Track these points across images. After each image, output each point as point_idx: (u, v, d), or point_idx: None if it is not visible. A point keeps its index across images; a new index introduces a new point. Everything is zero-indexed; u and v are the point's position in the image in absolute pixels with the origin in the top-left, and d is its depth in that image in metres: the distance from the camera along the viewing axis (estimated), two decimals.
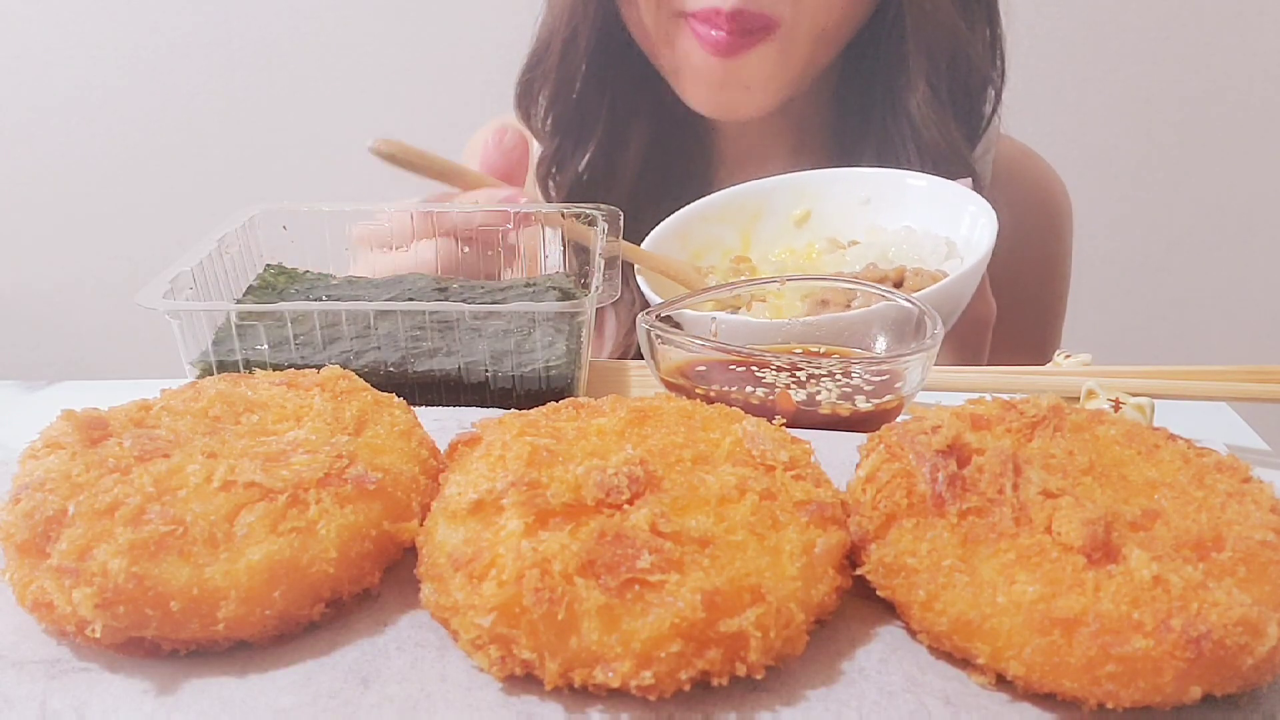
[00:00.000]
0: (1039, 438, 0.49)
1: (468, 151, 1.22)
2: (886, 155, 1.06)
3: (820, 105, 1.14)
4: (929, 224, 0.95)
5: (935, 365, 0.67)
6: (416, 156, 0.85)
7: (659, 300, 0.88)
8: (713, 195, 1.01)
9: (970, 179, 0.98)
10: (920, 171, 1.00)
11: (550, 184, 1.13)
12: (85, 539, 0.42)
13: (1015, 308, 1.08)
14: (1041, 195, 1.23)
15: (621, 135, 1.12)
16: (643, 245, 0.95)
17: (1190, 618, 0.38)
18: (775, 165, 1.10)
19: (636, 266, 0.93)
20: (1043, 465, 0.46)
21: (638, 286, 1.10)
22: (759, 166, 1.11)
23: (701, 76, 1.03)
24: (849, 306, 0.81)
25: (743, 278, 0.95)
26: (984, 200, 0.91)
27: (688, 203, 1.01)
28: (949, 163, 1.03)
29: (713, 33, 0.98)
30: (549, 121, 1.13)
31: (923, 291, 0.80)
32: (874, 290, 0.73)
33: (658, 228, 0.97)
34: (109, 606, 0.41)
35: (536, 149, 1.00)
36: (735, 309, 0.85)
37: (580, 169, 1.12)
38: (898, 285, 0.87)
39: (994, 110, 1.10)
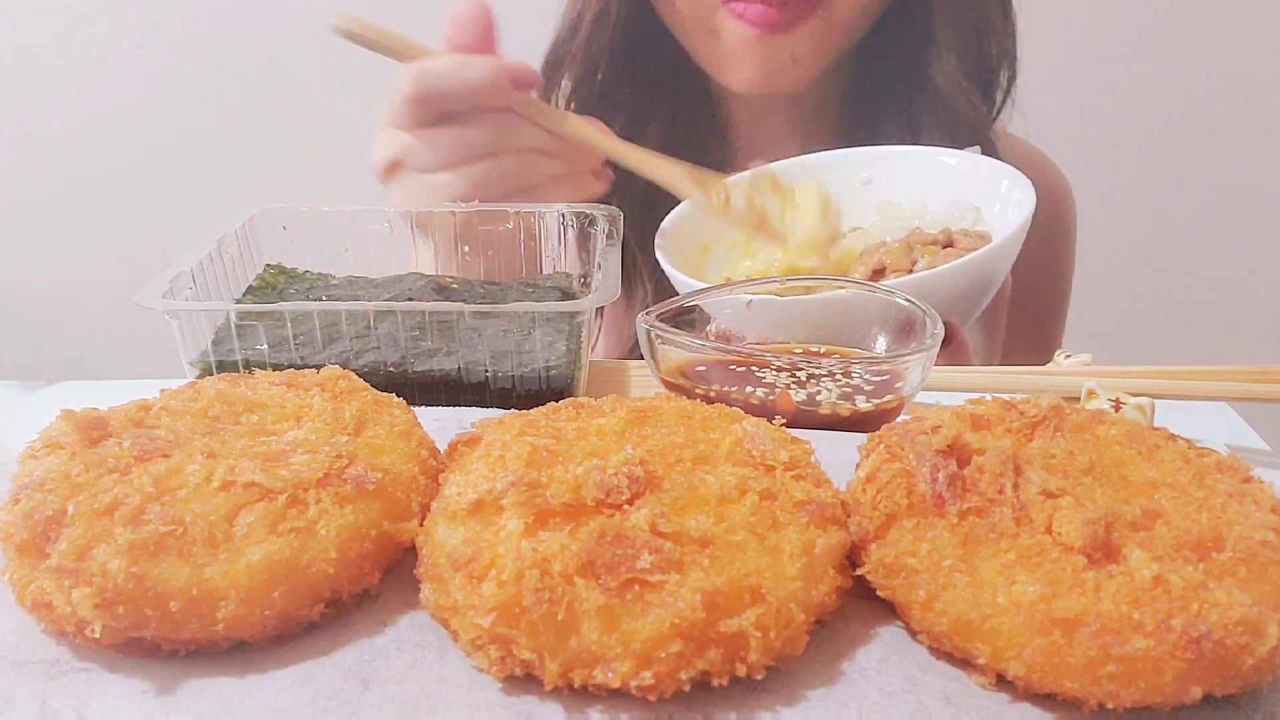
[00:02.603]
0: (1039, 438, 0.49)
1: None
2: (909, 130, 1.06)
3: (841, 88, 1.14)
4: (955, 195, 0.94)
5: (937, 360, 0.67)
6: (378, 33, 0.82)
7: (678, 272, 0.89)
8: None
9: (978, 148, 0.98)
10: (944, 145, 1.00)
11: None
12: (85, 539, 0.42)
13: (1020, 303, 1.08)
14: (1047, 191, 1.23)
15: (641, 121, 1.11)
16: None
17: (1191, 618, 0.38)
18: (792, 148, 1.09)
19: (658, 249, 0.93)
20: (1043, 465, 0.46)
21: (643, 281, 1.09)
22: (777, 149, 1.10)
23: (747, 56, 1.02)
24: (910, 270, 0.82)
25: (743, 279, 0.94)
26: (1010, 166, 0.92)
27: None
28: (972, 136, 1.03)
29: (758, 7, 0.98)
30: (571, 106, 1.12)
31: (978, 252, 0.80)
32: (869, 288, 0.73)
33: (661, 226, 0.96)
34: (108, 607, 0.41)
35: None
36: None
37: None
38: (947, 247, 0.87)
39: (1010, 84, 1.10)
